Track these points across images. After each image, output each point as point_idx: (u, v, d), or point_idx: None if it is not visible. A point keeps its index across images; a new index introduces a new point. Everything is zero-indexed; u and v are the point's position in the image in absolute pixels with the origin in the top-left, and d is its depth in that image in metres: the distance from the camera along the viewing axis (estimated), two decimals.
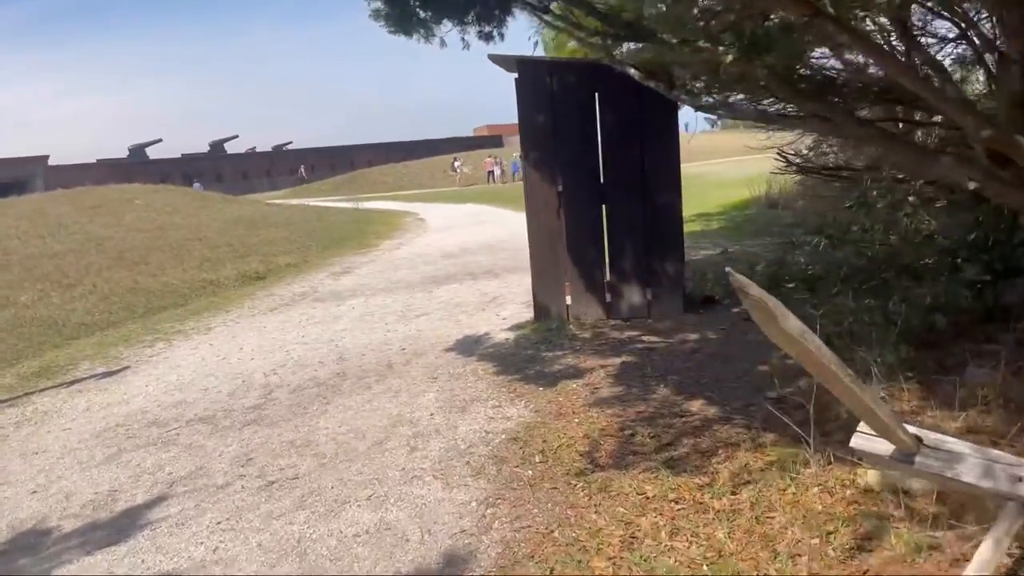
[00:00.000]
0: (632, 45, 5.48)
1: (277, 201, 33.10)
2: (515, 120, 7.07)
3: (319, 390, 6.04)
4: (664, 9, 3.58)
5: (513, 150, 52.92)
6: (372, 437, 4.82)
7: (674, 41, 3.98)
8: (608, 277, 7.12)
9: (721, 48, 3.45)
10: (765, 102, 5.36)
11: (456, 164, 46.07)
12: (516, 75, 6.99)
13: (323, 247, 16.80)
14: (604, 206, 7.05)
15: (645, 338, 6.50)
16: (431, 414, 5.12)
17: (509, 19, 5.63)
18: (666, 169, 6.86)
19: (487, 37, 5.67)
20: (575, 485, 3.82)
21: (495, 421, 4.84)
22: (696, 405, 4.74)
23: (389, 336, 7.72)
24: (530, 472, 4.05)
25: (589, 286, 7.14)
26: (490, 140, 71.95)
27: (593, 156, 6.97)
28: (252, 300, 11.03)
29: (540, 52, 9.44)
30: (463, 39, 5.56)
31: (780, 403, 4.59)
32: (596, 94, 6.90)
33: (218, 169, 66.74)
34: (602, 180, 7.01)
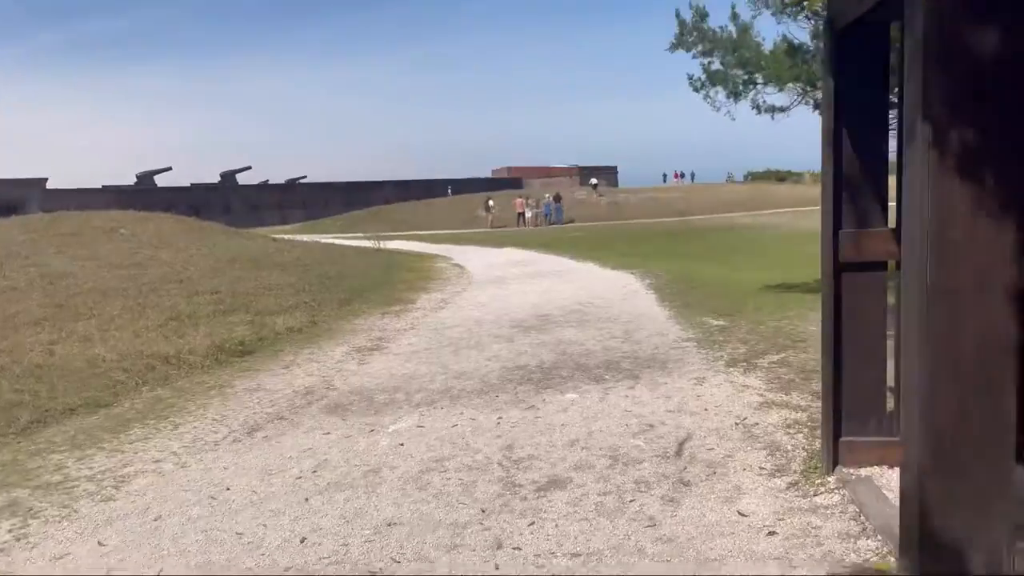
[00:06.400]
0: None
1: (286, 236, 28.79)
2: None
3: None
4: None
5: (536, 193, 48.85)
6: None
7: None
8: None
9: None
10: None
11: (490, 204, 41.90)
12: None
13: (340, 301, 12.34)
14: None
15: None
16: None
17: None
18: None
19: None
20: None
21: None
22: None
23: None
24: None
25: None
26: (509, 182, 68.47)
27: None
28: (222, 400, 6.54)
29: None
30: None
31: None
32: None
33: (227, 201, 62.87)
34: None
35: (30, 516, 4.15)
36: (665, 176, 68.10)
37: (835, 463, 3.90)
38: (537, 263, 18.83)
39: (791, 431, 4.72)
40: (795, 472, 4.05)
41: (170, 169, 66.44)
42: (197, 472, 4.76)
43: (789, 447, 4.44)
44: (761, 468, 4.16)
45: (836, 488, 3.76)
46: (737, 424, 4.97)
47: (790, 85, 9.83)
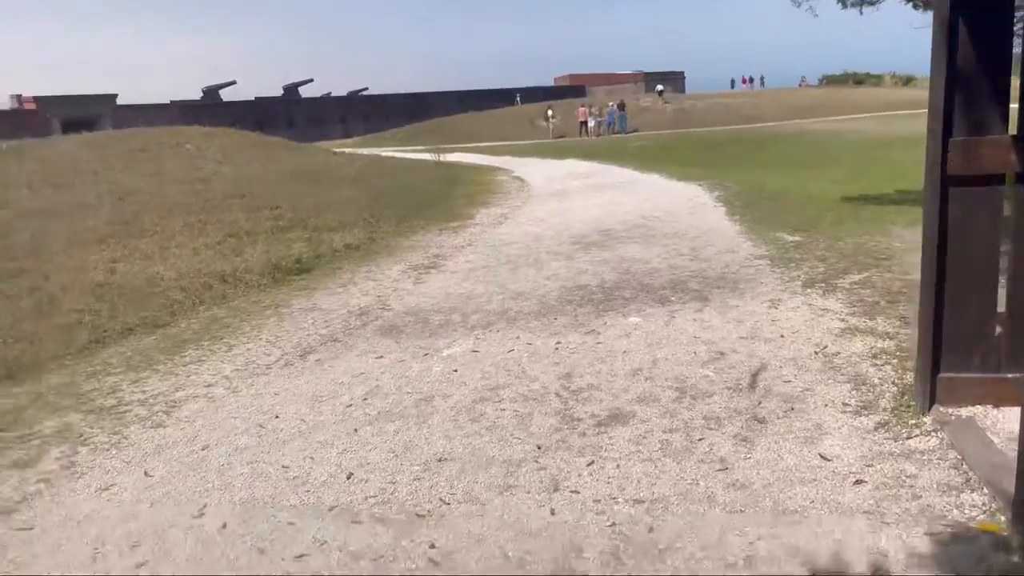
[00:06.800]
0: None
1: (346, 150, 28.62)
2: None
3: None
4: None
5: (599, 101, 47.04)
6: None
7: None
8: None
9: None
10: None
11: (549, 113, 40.75)
12: None
13: (398, 217, 12.12)
14: None
15: None
16: None
17: None
18: None
19: None
20: None
21: None
22: None
23: (573, 524, 2.97)
24: None
25: None
26: (572, 90, 66.17)
27: None
28: (278, 321, 6.44)
29: None
30: None
31: None
32: None
33: (290, 114, 62.85)
34: None
35: (80, 443, 4.10)
36: (733, 82, 64.82)
37: (931, 401, 3.50)
38: (599, 175, 18.22)
39: (878, 362, 4.30)
40: (884, 410, 3.66)
41: (235, 83, 66.49)
42: (247, 398, 4.64)
43: (876, 380, 4.03)
44: (845, 404, 3.78)
45: (933, 430, 3.37)
46: (817, 353, 4.56)
47: None
